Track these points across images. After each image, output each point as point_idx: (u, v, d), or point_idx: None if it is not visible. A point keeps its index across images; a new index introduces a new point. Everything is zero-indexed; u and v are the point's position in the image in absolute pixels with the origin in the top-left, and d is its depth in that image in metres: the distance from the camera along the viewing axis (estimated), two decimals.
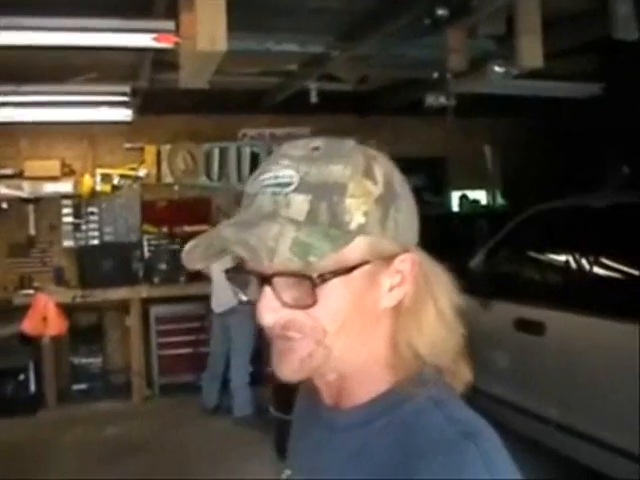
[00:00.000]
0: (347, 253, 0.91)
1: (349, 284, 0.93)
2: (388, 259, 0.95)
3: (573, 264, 4.38)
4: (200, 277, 7.18)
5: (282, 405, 5.40)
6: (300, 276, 0.90)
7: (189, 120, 7.71)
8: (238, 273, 1.03)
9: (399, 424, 0.96)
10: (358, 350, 0.98)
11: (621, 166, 4.44)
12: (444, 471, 0.87)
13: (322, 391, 1.07)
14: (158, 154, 7.60)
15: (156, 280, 7.31)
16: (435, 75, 5.00)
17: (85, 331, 7.42)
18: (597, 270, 4.25)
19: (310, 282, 0.90)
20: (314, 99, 6.04)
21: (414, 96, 6.47)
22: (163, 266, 7.34)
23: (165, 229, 7.71)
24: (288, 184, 0.91)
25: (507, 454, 0.92)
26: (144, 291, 7.19)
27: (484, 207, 8.97)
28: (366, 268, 0.93)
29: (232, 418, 6.19)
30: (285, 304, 0.93)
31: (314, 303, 0.91)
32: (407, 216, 0.98)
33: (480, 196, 9.11)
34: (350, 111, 7.93)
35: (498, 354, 4.78)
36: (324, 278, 0.90)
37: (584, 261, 4.29)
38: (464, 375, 1.03)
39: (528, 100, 6.72)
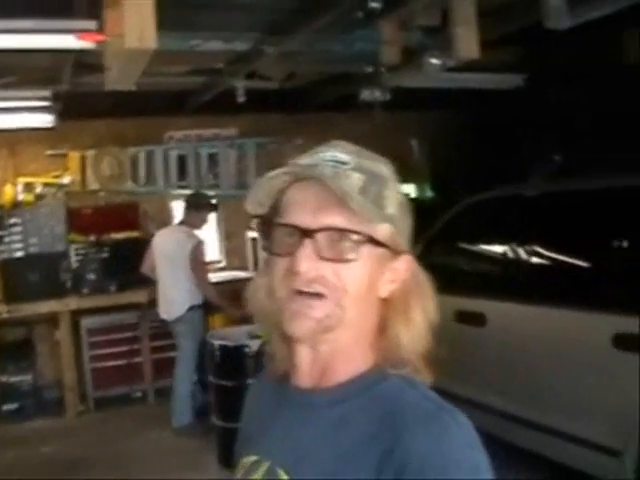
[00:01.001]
0: (379, 231, 1.05)
1: (371, 259, 1.06)
2: (396, 254, 1.10)
3: (510, 254, 4.41)
4: (131, 285, 7.02)
5: (224, 413, 5.29)
6: (346, 231, 1.03)
7: (113, 124, 7.49)
8: (273, 226, 1.10)
9: (378, 400, 1.05)
10: (358, 326, 1.09)
11: (552, 155, 4.48)
12: (426, 437, 0.97)
13: (302, 372, 1.12)
14: (82, 160, 7.34)
15: (85, 290, 7.04)
16: (369, 69, 4.95)
17: (13, 347, 7.12)
18: (534, 259, 4.29)
19: (353, 239, 1.03)
20: (241, 98, 5.93)
21: (344, 91, 6.43)
22: (92, 276, 7.09)
23: (92, 237, 7.42)
24: (346, 163, 1.06)
25: (470, 423, 1.03)
26: (73, 302, 6.92)
27: (413, 200, 8.97)
28: (383, 252, 1.07)
29: (172, 428, 6.04)
30: (324, 258, 1.03)
31: (352, 259, 1.04)
32: (410, 228, 1.14)
33: (409, 190, 9.14)
34: (277, 109, 7.83)
35: (438, 347, 4.76)
36: (370, 238, 1.04)
37: (521, 250, 4.33)
38: (426, 376, 1.12)
39: (454, 93, 6.77)
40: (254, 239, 8.03)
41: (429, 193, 9.12)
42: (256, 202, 1.12)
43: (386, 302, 1.12)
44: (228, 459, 5.27)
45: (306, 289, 1.04)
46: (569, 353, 3.89)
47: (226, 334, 5.63)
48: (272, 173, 1.08)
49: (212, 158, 7.44)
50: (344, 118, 8.36)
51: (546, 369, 4.05)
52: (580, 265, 4.04)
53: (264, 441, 1.16)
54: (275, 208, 1.11)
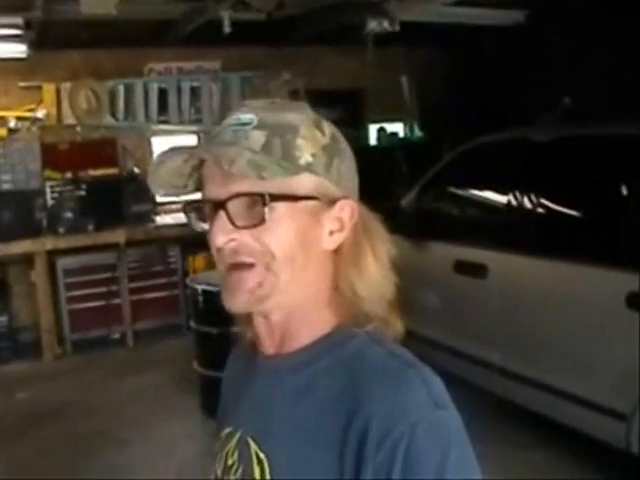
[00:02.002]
0: (295, 184, 1.00)
1: (295, 215, 1.01)
2: (330, 203, 1.04)
3: (516, 202, 4.17)
4: (110, 224, 6.78)
5: (207, 361, 5.13)
6: (253, 195, 0.98)
7: (90, 55, 7.08)
8: (195, 204, 1.09)
9: (343, 362, 1.03)
10: (303, 286, 1.05)
11: (562, 97, 4.23)
12: (387, 397, 0.94)
13: (263, 340, 1.10)
14: (58, 93, 6.96)
15: (62, 230, 6.71)
16: None
17: None
18: (543, 209, 4.06)
19: (261, 201, 0.98)
20: (227, 29, 5.57)
21: (341, 20, 6.07)
22: (69, 214, 6.76)
23: (69, 174, 7.11)
24: (248, 124, 1.02)
25: (442, 382, 0.99)
26: (49, 242, 6.65)
27: (402, 140, 8.79)
28: (311, 204, 1.02)
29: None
30: (237, 226, 1.00)
31: (263, 221, 0.98)
32: (349, 170, 1.08)
33: (398, 129, 8.90)
34: (263, 42, 7.48)
35: (435, 298, 4.60)
36: (273, 197, 0.98)
37: (529, 199, 4.09)
38: (396, 325, 1.08)
39: (446, 29, 6.48)
40: None
41: (418, 132, 8.91)
42: (167, 185, 1.08)
43: (337, 254, 1.07)
44: (211, 407, 5.14)
45: (233, 261, 1.02)
46: (578, 311, 3.71)
47: (209, 278, 5.43)
48: (163, 154, 1.05)
49: (194, 92, 7.12)
50: (333, 52, 8.06)
51: (552, 326, 3.87)
52: (594, 218, 3.82)
53: (237, 412, 1.16)
54: (199, 186, 1.08)
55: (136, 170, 7.35)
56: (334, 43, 7.77)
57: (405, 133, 8.97)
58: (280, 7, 5.63)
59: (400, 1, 4.50)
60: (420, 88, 8.53)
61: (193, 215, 1.09)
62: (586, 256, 3.66)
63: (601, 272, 3.58)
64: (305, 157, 1.01)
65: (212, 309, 5.07)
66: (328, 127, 1.07)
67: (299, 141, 1.02)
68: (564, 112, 4.21)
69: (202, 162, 1.04)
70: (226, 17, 5.38)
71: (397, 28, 4.92)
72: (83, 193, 6.89)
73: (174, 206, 7.85)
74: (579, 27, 6.14)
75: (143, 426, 4.95)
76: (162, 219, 7.40)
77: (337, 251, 1.07)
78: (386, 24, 4.80)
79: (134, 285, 7.04)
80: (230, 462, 1.12)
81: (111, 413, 5.22)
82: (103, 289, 6.90)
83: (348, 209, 1.05)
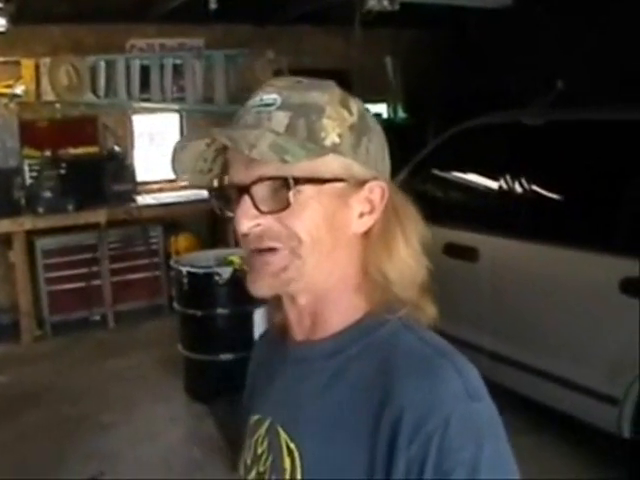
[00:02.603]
0: (321, 167, 0.97)
1: (322, 198, 0.98)
2: (359, 184, 1.01)
3: (509, 186, 4.13)
4: (90, 204, 6.65)
5: (192, 344, 5.07)
6: (277, 179, 0.96)
7: (71, 30, 6.92)
8: (220, 191, 1.06)
9: (374, 348, 1.00)
10: (330, 270, 1.02)
11: (551, 80, 4.18)
12: (420, 386, 0.91)
13: (293, 326, 1.09)
14: (37, 69, 6.65)
15: (41, 210, 6.55)
16: None
17: None
18: (537, 193, 4.03)
19: (286, 185, 0.95)
20: (213, 5, 5.45)
21: (325, 1, 5.96)
22: (48, 194, 6.59)
23: (48, 152, 6.93)
24: (271, 104, 0.99)
25: (477, 371, 0.96)
26: (28, 222, 6.50)
27: (385, 120, 8.71)
28: (338, 186, 0.99)
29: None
30: (261, 211, 0.97)
31: (288, 205, 0.95)
32: (378, 149, 1.04)
33: (382, 110, 8.84)
34: (247, 20, 7.38)
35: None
36: (298, 180, 0.95)
37: (521, 183, 4.05)
38: (429, 311, 1.06)
39: (432, 11, 6.41)
40: None
41: (401, 114, 8.85)
42: (191, 170, 1.06)
43: (366, 237, 1.04)
44: (195, 389, 5.11)
45: (259, 246, 0.99)
46: (571, 295, 3.69)
47: (193, 259, 5.37)
48: (184, 138, 1.04)
49: (177, 70, 6.95)
50: (318, 32, 7.97)
51: (544, 311, 3.85)
52: (587, 202, 3.78)
53: (265, 399, 1.14)
54: (225, 170, 1.05)
55: (117, 149, 7.22)
56: (319, 23, 7.67)
57: (389, 114, 8.89)
58: None
59: None
60: (405, 70, 8.46)
61: (218, 202, 1.05)
62: (579, 241, 3.64)
63: (595, 257, 3.57)
64: (331, 138, 0.98)
65: (197, 291, 5.01)
66: (355, 105, 1.03)
67: (325, 121, 0.98)
68: (557, 96, 4.17)
69: (225, 146, 1.01)
70: None
71: (397, 7, 4.84)
72: (63, 172, 6.70)
73: (156, 186, 7.76)
74: (568, 11, 6.11)
75: (127, 409, 4.89)
76: (144, 199, 7.30)
77: (367, 234, 1.04)
78: (386, 3, 4.71)
79: (115, 266, 6.95)
80: (260, 451, 1.10)
81: (93, 396, 5.14)
82: (83, 270, 6.79)
83: (378, 190, 1.02)
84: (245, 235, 1.00)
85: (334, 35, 7.82)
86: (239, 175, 0.99)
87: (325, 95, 1.00)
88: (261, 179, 0.97)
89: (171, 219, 7.33)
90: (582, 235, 3.66)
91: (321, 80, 1.05)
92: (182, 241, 7.27)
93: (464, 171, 4.70)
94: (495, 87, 6.44)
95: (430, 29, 8.03)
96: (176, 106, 7.22)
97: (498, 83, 6.59)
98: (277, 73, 7.92)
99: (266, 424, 1.10)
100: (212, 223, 7.87)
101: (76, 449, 4.32)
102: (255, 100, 1.02)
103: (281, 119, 0.98)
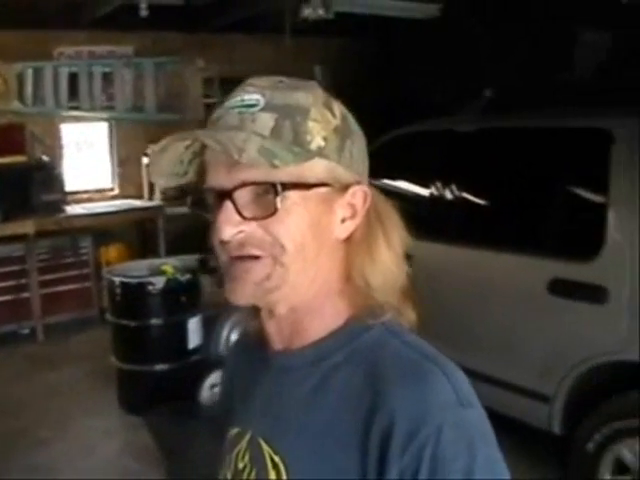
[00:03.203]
0: (307, 171, 0.94)
1: (307, 204, 0.95)
2: (343, 188, 0.98)
3: (439, 192, 4.23)
4: (18, 214, 6.50)
5: (125, 355, 5.01)
6: (262, 184, 0.92)
7: None
8: (197, 196, 1.02)
9: (359, 354, 0.97)
10: (313, 278, 0.99)
11: (483, 89, 4.30)
12: (414, 392, 0.89)
13: (272, 335, 1.05)
14: None
15: None
16: None
17: None
18: (467, 199, 4.13)
19: (272, 190, 0.92)
20: (144, 12, 5.41)
21: (256, 10, 5.99)
22: None
23: None
24: (254, 105, 0.95)
25: (464, 376, 0.94)
26: None
27: None
28: (323, 191, 0.96)
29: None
30: (245, 217, 0.93)
31: (275, 211, 0.92)
32: (360, 152, 1.02)
33: None
34: (177, 28, 7.33)
35: None
36: (285, 186, 0.92)
37: (452, 189, 4.15)
38: (409, 315, 1.04)
39: (360, 19, 6.51)
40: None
41: None
42: (167, 173, 1.01)
43: (348, 242, 1.01)
44: (129, 401, 5.04)
45: (239, 253, 0.95)
46: (502, 297, 3.80)
47: (125, 269, 5.30)
48: (165, 141, 0.97)
49: (106, 77, 6.89)
50: (248, 41, 7.97)
51: (478, 313, 3.96)
52: (516, 207, 3.90)
53: (245, 411, 1.10)
54: (201, 173, 1.01)
55: (45, 158, 7.06)
56: (250, 31, 7.69)
57: None
58: None
59: None
60: (334, 78, 8.54)
61: (194, 208, 1.02)
62: (509, 244, 3.76)
63: (524, 260, 3.69)
64: (316, 141, 0.95)
65: (130, 301, 4.96)
66: (338, 107, 1.00)
67: (310, 124, 0.95)
68: (486, 104, 4.29)
69: (204, 147, 0.97)
70: (143, 0, 5.22)
71: (331, 15, 4.91)
72: None
73: (85, 195, 7.63)
74: (496, 21, 6.29)
75: (61, 423, 4.79)
76: (73, 209, 7.17)
77: (348, 239, 1.01)
78: (321, 11, 4.77)
79: (44, 278, 6.77)
80: (241, 465, 1.06)
81: (28, 411, 5.02)
82: (11, 282, 6.61)
83: (361, 194, 0.99)
84: (225, 242, 0.95)
85: (264, 43, 7.86)
86: (220, 179, 0.95)
87: (309, 96, 0.97)
88: (245, 184, 0.93)
89: (101, 229, 7.22)
90: (512, 239, 3.78)
91: (303, 80, 1.01)
92: (113, 251, 7.17)
93: (395, 179, 4.78)
94: (422, 96, 6.57)
95: (359, 38, 8.14)
96: (105, 114, 7.15)
97: (425, 92, 6.73)
98: (207, 81, 7.93)
99: (247, 437, 1.06)
100: (142, 233, 7.79)
101: (11, 465, 4.21)
102: (235, 100, 0.97)
103: (266, 121, 0.94)
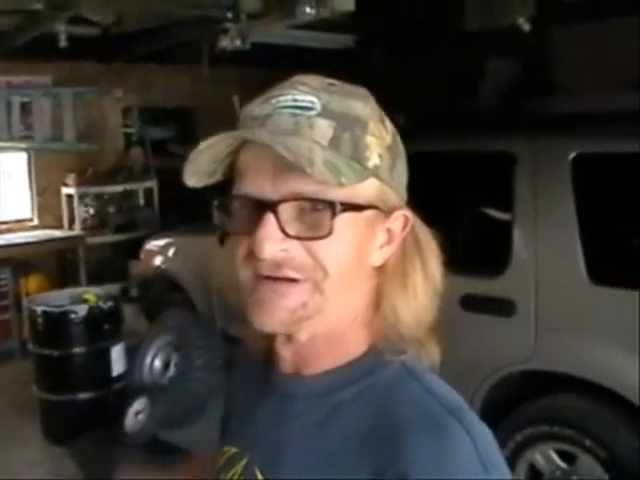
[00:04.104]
0: (359, 191, 0.85)
1: (356, 225, 0.86)
2: (388, 212, 0.90)
3: None
4: None
5: (48, 385, 4.95)
6: (318, 201, 0.82)
7: None
8: (231, 200, 0.89)
9: (372, 393, 0.89)
10: (346, 307, 0.90)
11: (395, 115, 4.46)
12: (433, 450, 0.80)
13: (284, 359, 0.95)
14: None
15: None
16: (229, 15, 4.65)
17: None
18: None
19: (327, 209, 0.82)
20: (63, 43, 5.41)
21: (174, 40, 6.06)
22: None
23: None
24: (310, 108, 0.85)
25: (489, 430, 0.87)
26: None
27: None
28: (370, 214, 0.87)
29: None
30: (289, 235, 0.83)
31: (329, 233, 0.83)
32: (404, 173, 0.94)
33: None
34: (95, 58, 7.34)
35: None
36: (343, 207, 0.83)
37: None
38: (432, 351, 0.94)
39: (278, 49, 6.67)
40: (69, 195, 7.56)
41: None
42: (200, 172, 0.87)
43: (381, 270, 0.91)
44: (53, 432, 4.97)
45: (275, 274, 0.84)
46: None
47: (47, 299, 5.26)
48: (213, 139, 0.84)
49: (25, 107, 6.84)
50: (166, 70, 8.04)
51: None
52: (429, 227, 4.07)
53: (245, 432, 1.01)
54: (230, 174, 0.91)
55: None
56: (166, 61, 7.76)
57: None
58: (119, 22, 5.56)
59: (250, 20, 4.61)
60: None
61: (221, 215, 0.90)
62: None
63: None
64: (373, 159, 0.86)
65: (52, 331, 4.92)
66: (389, 124, 0.93)
67: (369, 138, 0.86)
68: (399, 129, 4.46)
69: (240, 145, 0.87)
70: (62, 31, 5.24)
71: (248, 46, 5.03)
72: None
73: (4, 226, 7.50)
74: (408, 54, 6.55)
75: None
76: None
77: (382, 266, 0.92)
78: (238, 42, 4.89)
79: None
80: None
81: None
82: None
83: (401, 219, 0.91)
84: (261, 260, 0.84)
85: (181, 73, 7.94)
86: (263, 187, 0.84)
87: (367, 107, 0.89)
88: (296, 198, 0.83)
89: (21, 260, 7.11)
90: None
91: (355, 87, 0.92)
92: (32, 281, 7.05)
93: None
94: None
95: (277, 68, 8.29)
96: (24, 145, 7.07)
97: None
98: (126, 111, 7.95)
99: (243, 461, 0.98)
100: (63, 262, 7.70)
101: None
102: (286, 99, 0.86)
103: (325, 129, 0.84)
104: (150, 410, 4.75)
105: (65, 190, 7.61)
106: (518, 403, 3.48)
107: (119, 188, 7.84)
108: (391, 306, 0.90)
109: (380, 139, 0.88)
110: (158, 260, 5.87)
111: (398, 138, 0.94)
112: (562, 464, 3.33)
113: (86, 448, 4.76)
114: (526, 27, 4.77)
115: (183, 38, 6.22)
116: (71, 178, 7.45)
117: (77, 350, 4.90)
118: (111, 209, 7.76)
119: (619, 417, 3.15)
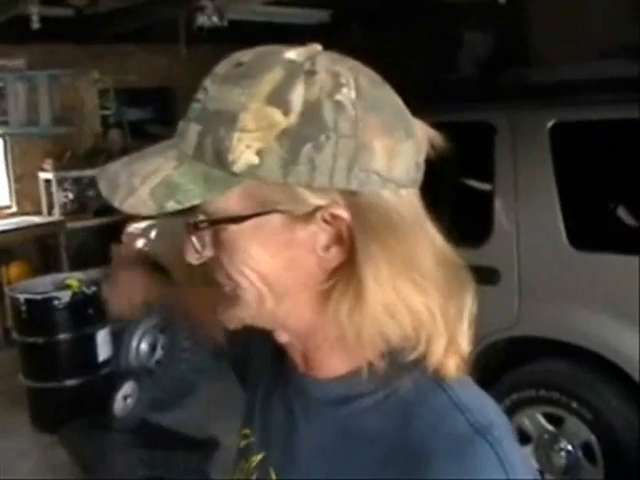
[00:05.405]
0: (234, 199, 0.74)
1: (253, 234, 0.75)
2: (311, 212, 0.74)
3: None
4: None
5: (35, 373, 4.94)
6: (188, 222, 0.78)
7: None
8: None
9: (394, 403, 0.79)
10: (300, 314, 0.80)
11: None
12: (456, 472, 0.72)
13: (291, 356, 0.88)
14: None
15: None
16: None
17: None
18: None
19: (203, 228, 0.77)
20: (36, 25, 5.34)
21: (158, 17, 6.00)
22: None
23: None
24: (195, 109, 0.77)
25: (517, 444, 0.79)
26: None
27: None
28: (275, 218, 0.74)
29: None
30: (196, 249, 0.80)
31: (217, 249, 0.78)
32: (343, 155, 0.72)
33: None
34: (69, 39, 7.25)
35: None
36: (197, 226, 0.77)
37: None
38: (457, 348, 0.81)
39: (254, 26, 6.63)
40: (48, 180, 7.50)
41: None
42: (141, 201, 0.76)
43: (343, 270, 0.77)
44: (42, 420, 4.95)
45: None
46: None
47: (29, 286, 5.22)
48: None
49: None
50: (142, 51, 7.97)
51: None
52: None
53: (264, 421, 0.95)
54: None
55: None
56: (143, 41, 7.69)
57: None
58: (94, 3, 5.49)
59: None
60: None
61: None
62: None
63: None
64: (245, 159, 0.72)
65: (36, 318, 4.89)
66: (309, 90, 0.72)
67: (236, 136, 0.72)
68: None
69: None
70: (35, 12, 5.17)
71: (225, 23, 5.00)
72: None
73: None
74: (381, 29, 6.53)
75: None
76: None
77: (353, 268, 0.76)
78: (215, 19, 4.85)
79: None
80: None
81: None
82: None
83: (335, 215, 0.75)
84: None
85: (158, 53, 7.87)
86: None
87: (245, 92, 0.73)
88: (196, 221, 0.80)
89: (0, 248, 7.06)
90: None
91: (275, 53, 0.76)
92: (14, 269, 7.01)
93: None
94: None
95: (253, 44, 8.23)
96: None
97: None
98: (102, 92, 7.88)
99: (260, 456, 0.93)
100: (43, 249, 7.66)
101: None
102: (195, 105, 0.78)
103: (192, 137, 0.76)
104: (138, 394, 4.76)
105: (43, 175, 7.54)
106: (505, 369, 3.53)
107: None
108: (340, 319, 0.77)
109: (261, 130, 0.72)
110: (140, 242, 5.84)
111: (325, 111, 0.72)
112: (549, 427, 3.39)
113: (75, 434, 4.76)
114: None
115: (159, 16, 6.15)
116: (48, 163, 7.39)
117: (62, 337, 4.89)
118: (91, 193, 7.69)
119: (603, 379, 3.22)
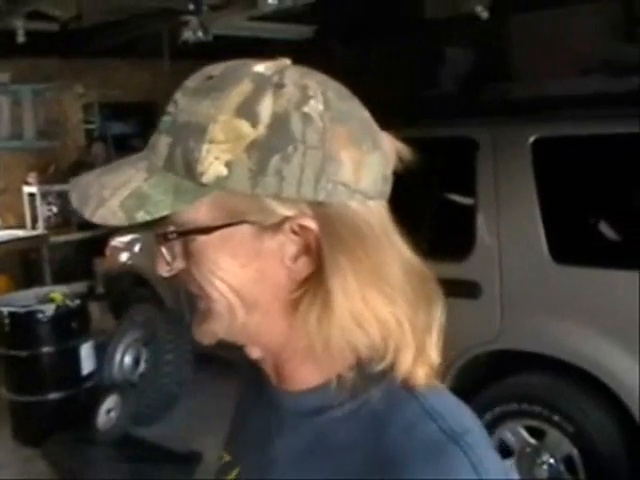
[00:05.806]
0: (203, 210, 0.75)
1: (221, 246, 0.76)
2: (279, 223, 0.75)
3: None
4: None
5: (18, 386, 4.91)
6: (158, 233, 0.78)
7: None
8: None
9: (365, 413, 0.78)
10: (270, 328, 0.81)
11: None
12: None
13: (265, 370, 0.89)
14: None
15: None
16: (191, 7, 4.62)
17: None
18: None
19: (172, 239, 0.78)
20: (21, 39, 5.35)
21: (133, 34, 6.03)
22: None
23: None
24: (165, 122, 0.78)
25: (493, 450, 0.79)
26: None
27: None
28: (244, 229, 0.75)
29: None
30: (167, 261, 0.80)
31: (188, 260, 0.78)
32: (310, 167, 0.73)
33: None
34: (54, 54, 7.26)
35: None
36: (167, 237, 0.78)
37: None
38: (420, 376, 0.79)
39: (238, 41, 6.67)
40: (31, 194, 7.48)
41: None
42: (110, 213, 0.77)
43: (315, 280, 0.77)
44: (24, 433, 4.91)
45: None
46: None
47: (12, 300, 5.19)
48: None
49: None
50: (126, 65, 7.98)
51: None
52: (392, 214, 4.12)
53: (240, 439, 0.97)
54: None
55: None
56: (126, 56, 7.71)
57: None
58: (78, 17, 5.50)
59: (212, 12, 4.61)
60: None
61: None
62: None
63: None
64: (214, 171, 0.73)
65: (20, 331, 4.86)
66: (277, 102, 0.74)
67: (205, 148, 0.73)
68: None
69: None
70: (20, 27, 5.17)
71: (210, 38, 5.02)
72: None
73: None
74: (357, 43, 6.59)
75: None
76: None
77: (312, 277, 0.77)
78: (200, 34, 4.87)
79: None
80: None
81: None
82: None
83: (310, 225, 0.75)
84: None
85: (142, 68, 7.89)
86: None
87: (214, 104, 0.74)
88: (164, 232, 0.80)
89: None
90: None
91: (244, 66, 0.77)
92: None
93: None
94: None
95: (236, 59, 8.27)
96: None
97: None
98: (87, 107, 7.88)
99: (235, 472, 0.93)
100: (26, 263, 7.63)
101: None
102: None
103: (162, 149, 0.77)
104: (122, 407, 4.73)
105: (27, 189, 7.53)
106: (487, 383, 3.54)
107: None
108: (308, 330, 0.77)
109: (229, 142, 0.73)
110: (124, 256, 5.84)
111: (293, 123, 0.73)
112: (531, 440, 3.40)
113: (58, 448, 4.73)
114: (484, 15, 4.84)
115: (144, 31, 6.17)
116: (32, 176, 7.38)
117: (45, 350, 4.86)
118: None
119: (585, 392, 3.23)
